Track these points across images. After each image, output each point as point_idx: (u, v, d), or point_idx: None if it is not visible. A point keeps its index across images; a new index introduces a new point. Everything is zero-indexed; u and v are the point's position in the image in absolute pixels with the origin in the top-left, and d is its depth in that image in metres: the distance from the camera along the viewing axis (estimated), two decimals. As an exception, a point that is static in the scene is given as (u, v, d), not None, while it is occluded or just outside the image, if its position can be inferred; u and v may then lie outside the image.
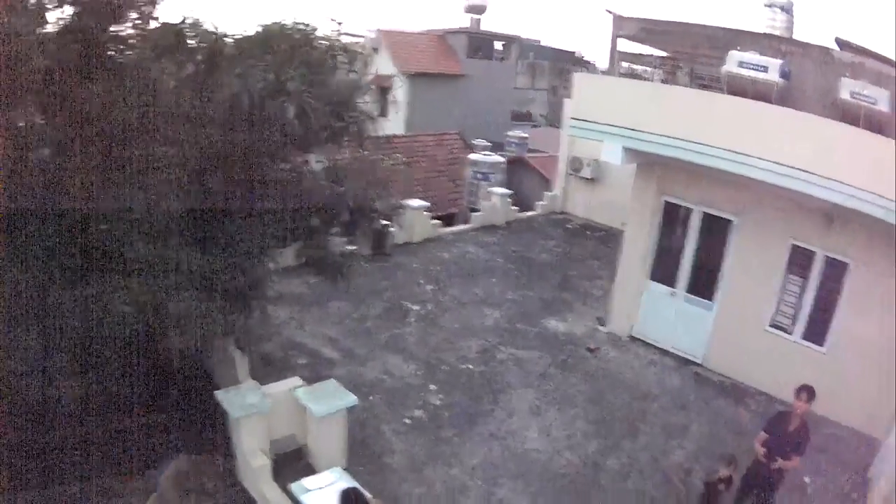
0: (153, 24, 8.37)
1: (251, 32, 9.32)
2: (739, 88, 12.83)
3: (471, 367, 13.00)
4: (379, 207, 10.79)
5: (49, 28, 7.66)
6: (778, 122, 11.13)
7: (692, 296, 13.98)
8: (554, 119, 30.60)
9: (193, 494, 8.67)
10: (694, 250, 13.81)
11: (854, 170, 10.20)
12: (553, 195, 25.42)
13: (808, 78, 13.71)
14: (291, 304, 14.02)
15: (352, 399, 9.40)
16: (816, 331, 12.48)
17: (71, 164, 7.53)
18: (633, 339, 14.83)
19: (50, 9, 7.63)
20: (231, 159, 8.47)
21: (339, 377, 10.25)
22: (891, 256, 11.07)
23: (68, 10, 7.73)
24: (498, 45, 41.21)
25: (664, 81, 16.58)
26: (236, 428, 8.90)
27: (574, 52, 45.96)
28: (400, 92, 34.34)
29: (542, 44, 45.00)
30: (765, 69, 13.01)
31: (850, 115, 11.83)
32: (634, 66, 18.53)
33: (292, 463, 9.28)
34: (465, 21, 39.62)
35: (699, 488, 9.47)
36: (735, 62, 13.32)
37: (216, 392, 9.06)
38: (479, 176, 24.36)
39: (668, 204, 13.97)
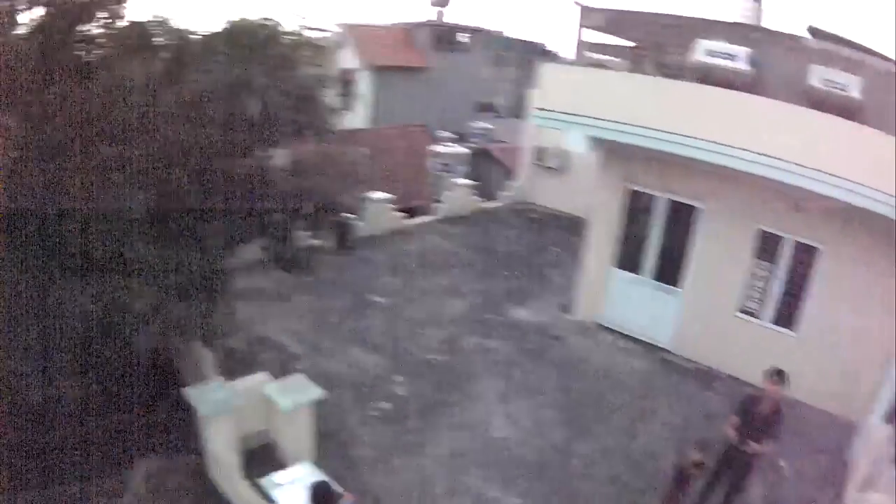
0: (121, 23, 8.34)
1: (218, 29, 9.32)
2: (707, 77, 12.94)
3: (436, 357, 13.07)
4: (342, 201, 10.81)
5: (20, 30, 7.64)
6: (744, 109, 11.26)
7: (659, 282, 14.13)
8: (518, 110, 30.62)
9: (166, 494, 8.68)
10: (660, 237, 13.95)
11: (824, 155, 10.37)
12: (518, 185, 25.54)
13: (779, 66, 13.86)
14: (257, 300, 13.97)
15: (318, 392, 9.41)
16: (788, 315, 12.68)
17: (37, 165, 7.49)
18: (599, 326, 14.94)
19: (21, 10, 7.60)
20: (195, 156, 8.45)
21: (305, 371, 10.24)
22: (863, 240, 11.34)
23: (38, 12, 7.69)
24: (463, 38, 41.16)
25: (631, 71, 16.72)
26: (205, 425, 8.87)
27: (539, 44, 45.96)
28: (364, 85, 34.27)
29: (507, 35, 44.96)
30: (733, 57, 13.14)
31: (821, 102, 11.97)
32: (601, 57, 18.62)
33: (262, 458, 9.27)
34: (430, 14, 39.55)
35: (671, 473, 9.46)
36: (702, 51, 13.42)
37: (185, 389, 9.01)
38: (442, 167, 24.39)
39: (633, 192, 14.08)
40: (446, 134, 29.09)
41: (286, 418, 9.23)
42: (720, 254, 13.10)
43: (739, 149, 11.00)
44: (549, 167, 24.37)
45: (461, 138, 29.29)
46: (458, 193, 23.08)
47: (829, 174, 10.29)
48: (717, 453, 8.91)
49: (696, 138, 11.41)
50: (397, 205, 20.66)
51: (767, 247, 12.66)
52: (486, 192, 24.92)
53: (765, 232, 12.60)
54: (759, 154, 10.85)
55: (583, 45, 17.98)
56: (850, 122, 10.64)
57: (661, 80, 13.27)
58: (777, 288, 12.73)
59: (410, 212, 21.86)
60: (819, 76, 12.63)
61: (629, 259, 14.42)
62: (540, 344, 14.06)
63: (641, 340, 14.39)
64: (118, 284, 7.70)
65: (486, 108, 39.91)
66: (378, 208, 19.66)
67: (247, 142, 9.09)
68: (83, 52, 8.12)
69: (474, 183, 24.00)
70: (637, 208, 14.15)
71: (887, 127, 10.36)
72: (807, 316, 12.41)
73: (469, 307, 15.51)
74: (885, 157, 9.94)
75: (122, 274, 7.78)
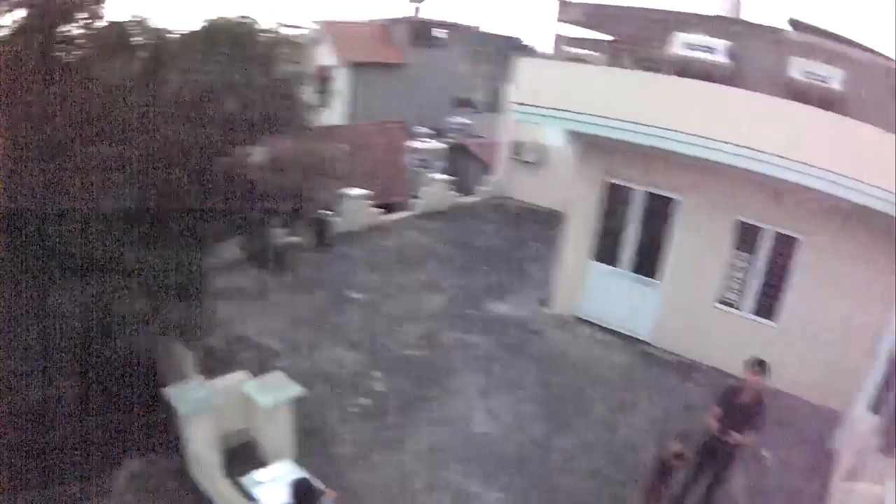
0: (100, 24, 8.32)
1: (196, 28, 9.32)
2: (686, 70, 13.00)
3: (415, 352, 13.10)
4: (319, 198, 10.80)
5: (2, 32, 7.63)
6: (722, 102, 11.34)
7: (637, 275, 14.20)
8: (496, 105, 30.68)
9: (150, 494, 8.67)
10: (638, 230, 14.01)
11: (803, 147, 10.47)
12: (495, 180, 25.58)
13: (759, 58, 13.96)
14: (236, 298, 13.91)
15: (298, 390, 9.43)
16: (768, 306, 12.80)
17: (23, 165, 7.46)
18: (578, 319, 15.01)
19: (3, 12, 7.58)
20: (173, 155, 8.43)
21: (284, 369, 10.22)
22: (844, 231, 11.44)
23: (19, 13, 7.67)
24: (440, 34, 41.18)
25: (609, 66, 16.76)
26: (186, 424, 8.86)
27: (516, 39, 46.05)
28: (341, 82, 34.22)
29: (484, 31, 45.01)
30: (712, 50, 13.20)
31: (802, 94, 12.05)
32: (579, 51, 18.66)
33: (242, 456, 9.27)
34: (408, 10, 39.60)
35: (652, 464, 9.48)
36: (681, 44, 13.48)
37: (165, 389, 8.99)
38: (420, 163, 24.42)
39: (610, 185, 14.11)
40: (423, 129, 29.13)
41: (266, 416, 9.23)
42: (699, 245, 13.18)
43: (718, 141, 11.10)
44: (527, 162, 24.45)
45: (438, 134, 29.36)
46: (436, 189, 23.11)
47: (810, 165, 10.39)
48: (699, 444, 8.89)
49: (673, 131, 11.50)
50: (375, 201, 20.64)
51: (747, 238, 12.75)
52: (463, 187, 24.95)
53: (744, 223, 12.68)
54: (737, 146, 10.94)
55: (561, 40, 18.04)
56: (830, 114, 10.72)
57: (639, 74, 13.33)
58: (757, 279, 12.84)
59: (388, 208, 21.85)
60: (800, 68, 12.72)
61: (607, 252, 14.48)
62: (519, 338, 14.11)
63: (620, 333, 14.47)
64: (101, 285, 7.68)
65: (463, 104, 39.98)
66: (355, 205, 19.63)
67: (225, 140, 9.08)
68: (63, 54, 8.09)
69: (452, 178, 24.05)
70: (615, 201, 14.17)
71: (869, 118, 10.46)
72: (787, 306, 12.53)
73: (447, 302, 15.54)
74: (866, 148, 10.07)
75: (105, 275, 7.76)
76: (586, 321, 14.93)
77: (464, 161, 27.80)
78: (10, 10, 7.67)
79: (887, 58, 14.49)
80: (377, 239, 19.41)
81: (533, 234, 21.13)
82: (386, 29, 39.13)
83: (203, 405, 8.82)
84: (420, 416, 11.06)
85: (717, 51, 13.15)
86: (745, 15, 16.05)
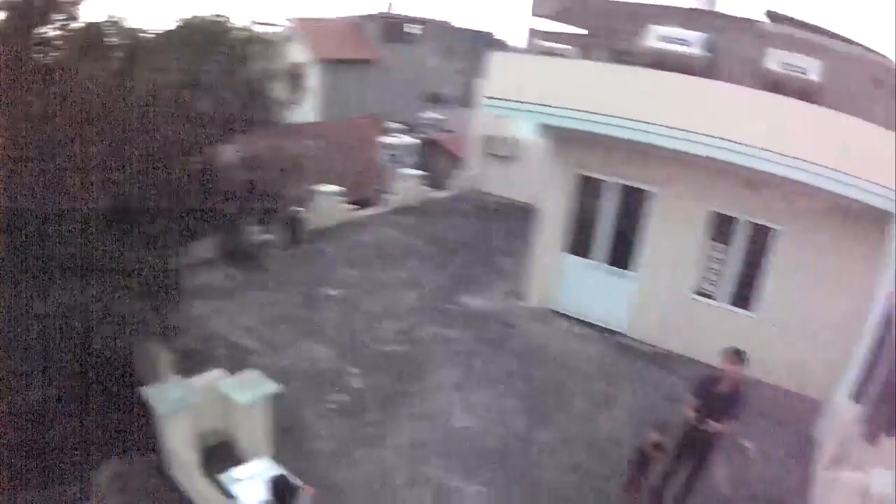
0: (76, 25, 8.30)
1: (171, 27, 9.32)
2: (660, 63, 12.99)
3: (391, 348, 13.08)
4: (292, 194, 10.79)
5: None
6: (696, 93, 11.37)
7: (612, 267, 14.25)
8: (468, 99, 30.73)
9: (130, 494, 8.63)
10: (612, 222, 14.06)
11: (780, 137, 10.51)
12: (468, 174, 25.64)
13: (736, 50, 14.03)
14: (209, 296, 13.85)
15: (274, 387, 9.39)
16: (745, 296, 12.90)
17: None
18: (554, 312, 15.07)
19: None
20: (147, 155, 8.39)
21: (260, 366, 10.18)
22: (823, 221, 11.52)
23: None
24: (412, 29, 41.21)
25: (583, 59, 16.78)
26: (164, 424, 8.82)
27: (488, 33, 46.10)
28: (314, 79, 34.15)
29: (457, 25, 45.06)
30: (687, 43, 13.24)
31: (779, 86, 12.10)
32: (553, 45, 18.71)
33: (220, 455, 9.19)
34: (381, 6, 39.73)
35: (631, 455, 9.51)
36: (655, 37, 13.51)
37: (143, 389, 8.92)
38: (392, 158, 24.36)
39: (584, 177, 14.15)
40: (396, 125, 29.06)
41: (243, 414, 9.19)
42: (674, 237, 13.25)
43: (692, 132, 11.13)
44: (500, 155, 24.51)
45: (411, 129, 29.27)
46: (408, 184, 23.08)
47: (787, 156, 10.42)
48: (678, 434, 8.90)
49: (646, 123, 11.51)
50: (347, 197, 20.59)
51: (723, 229, 12.84)
52: (436, 181, 24.97)
53: (719, 214, 12.76)
54: (711, 137, 10.98)
55: (535, 34, 18.08)
56: (808, 104, 10.76)
57: (612, 66, 13.40)
58: (733, 269, 12.94)
59: (361, 204, 21.81)
60: (777, 60, 12.78)
61: (582, 245, 14.53)
62: (495, 332, 14.15)
63: (597, 325, 14.55)
64: (76, 286, 7.63)
65: (435, 99, 40.00)
66: (328, 201, 19.57)
67: (198, 138, 9.04)
68: (41, 55, 8.06)
69: (424, 173, 24.02)
70: (589, 194, 14.21)
71: (848, 108, 10.54)
72: (765, 296, 12.64)
73: (422, 297, 15.54)
74: (845, 138, 10.15)
75: (79, 275, 7.71)
76: (562, 314, 14.99)
77: (436, 156, 27.79)
78: None
79: (866, 48, 14.66)
80: (350, 235, 19.35)
81: (507, 228, 21.14)
82: (358, 25, 39.17)
83: (181, 404, 8.76)
84: (399, 411, 11.05)
85: (692, 43, 13.17)
86: (722, 7, 16.16)
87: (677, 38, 13.31)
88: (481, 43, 39.98)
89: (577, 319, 14.79)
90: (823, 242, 11.74)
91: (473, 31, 44.99)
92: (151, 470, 9.05)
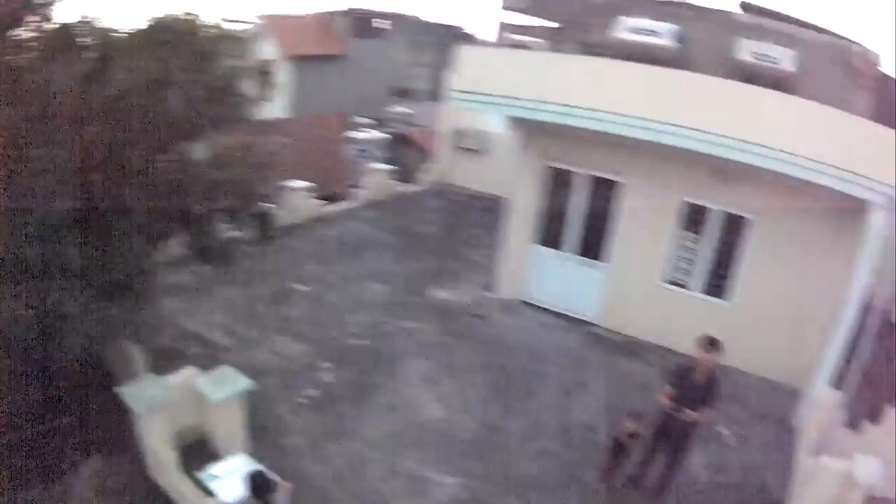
0: (49, 26, 8.29)
1: (142, 26, 9.30)
2: (631, 55, 13.04)
3: (362, 342, 13.15)
4: (261, 191, 10.80)
5: None
6: (665, 84, 11.43)
7: (583, 257, 14.36)
8: (437, 93, 30.77)
9: (109, 494, 8.64)
10: (582, 213, 14.15)
11: (751, 127, 10.58)
12: (437, 168, 25.70)
13: (707, 41, 14.14)
14: (180, 294, 13.83)
15: (247, 383, 9.45)
16: (719, 285, 13.03)
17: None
18: (524, 303, 15.19)
19: None
20: (117, 154, 8.38)
21: (232, 363, 10.18)
22: (797, 210, 11.65)
23: None
24: (381, 24, 41.16)
25: (552, 51, 16.80)
26: (141, 422, 8.86)
27: (457, 27, 46.10)
28: (283, 75, 34.01)
29: (426, 20, 44.99)
30: (656, 34, 13.31)
31: (751, 76, 12.20)
32: (522, 38, 18.76)
33: (197, 452, 9.23)
34: (350, 1, 39.53)
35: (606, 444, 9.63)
36: (625, 28, 13.56)
37: (119, 388, 8.95)
38: (360, 153, 24.40)
39: (553, 169, 14.23)
40: (364, 120, 29.08)
41: (217, 411, 9.25)
42: (645, 227, 13.35)
43: (661, 123, 11.16)
44: (469, 149, 24.59)
45: (380, 124, 29.31)
46: (377, 178, 23.12)
47: (758, 145, 10.49)
48: (654, 423, 8.97)
49: (615, 114, 11.53)
50: (317, 192, 20.58)
51: (694, 218, 12.95)
52: (405, 176, 25.00)
53: (690, 204, 12.88)
54: (680, 127, 11.03)
55: (504, 28, 18.13)
56: (779, 93, 10.92)
57: (580, 58, 13.45)
58: (705, 258, 13.06)
59: (330, 199, 21.80)
60: (749, 50, 12.89)
61: (552, 236, 14.63)
62: (466, 324, 14.26)
63: (568, 316, 14.68)
64: (48, 287, 7.63)
65: (403, 93, 39.99)
66: (297, 197, 19.55)
67: (168, 137, 9.04)
68: (12, 57, 8.04)
69: (393, 168, 24.09)
70: (558, 185, 14.29)
71: (821, 97, 10.68)
72: (739, 285, 12.79)
73: (393, 291, 15.61)
74: (817, 126, 10.29)
75: (52, 276, 7.71)
76: (533, 305, 15.12)
77: (405, 150, 27.81)
78: None
79: (840, 37, 14.86)
80: (320, 230, 19.37)
81: (476, 221, 21.30)
82: (327, 21, 38.99)
83: (157, 402, 8.81)
84: (372, 404, 11.14)
85: (661, 34, 13.27)
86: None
87: (647, 30, 13.41)
88: (450, 37, 40.01)
89: (549, 310, 14.92)
90: (798, 231, 11.89)
91: (443, 25, 44.93)
92: (131, 470, 9.07)
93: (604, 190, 13.74)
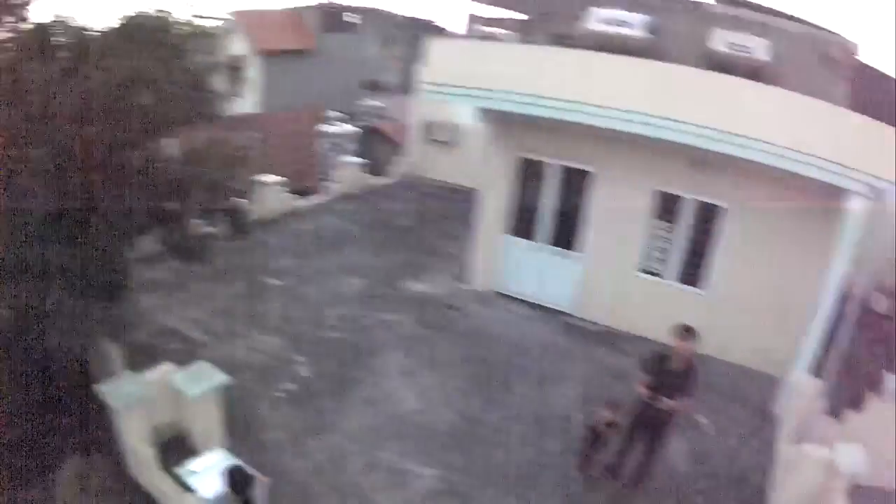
0: (25, 26, 8.24)
1: (115, 24, 9.26)
2: (602, 45, 13.09)
3: (338, 335, 13.15)
4: (233, 186, 10.78)
5: None
6: (636, 74, 11.46)
7: (556, 247, 14.43)
8: (408, 87, 30.76)
9: (91, 493, 8.60)
10: (554, 203, 14.21)
11: (724, 116, 10.65)
12: (408, 161, 25.75)
13: (680, 31, 14.17)
14: (156, 291, 13.74)
15: (223, 378, 9.43)
16: (693, 274, 13.11)
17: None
18: (499, 295, 15.25)
19: None
20: (91, 153, 8.33)
21: (209, 358, 10.13)
22: (771, 198, 11.71)
23: None
24: (352, 18, 41.09)
25: (522, 43, 16.80)
26: (119, 419, 8.83)
27: (428, 20, 46.02)
28: (255, 70, 33.85)
29: (396, 13, 44.92)
30: (628, 25, 13.33)
31: (726, 66, 12.24)
32: (493, 30, 18.77)
33: (176, 448, 9.20)
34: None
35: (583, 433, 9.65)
36: (596, 19, 13.56)
37: (97, 385, 8.91)
38: (332, 147, 24.36)
39: (524, 160, 14.27)
40: (335, 114, 28.98)
41: (194, 406, 9.23)
42: (618, 216, 13.39)
43: (632, 112, 11.21)
44: (440, 141, 24.67)
45: (351, 117, 29.23)
46: (349, 172, 23.15)
47: (732, 134, 10.55)
48: (632, 412, 8.97)
49: (586, 104, 11.57)
50: (290, 187, 20.53)
51: (668, 207, 13.02)
52: (377, 169, 25.03)
53: (663, 193, 12.95)
54: (651, 116, 11.09)
55: (475, 20, 18.13)
56: (753, 83, 10.92)
57: (551, 49, 13.44)
58: (680, 247, 13.14)
59: (303, 193, 21.76)
60: (723, 40, 12.94)
61: (525, 227, 14.68)
62: (441, 316, 14.31)
63: (543, 306, 14.75)
64: (25, 286, 7.59)
65: (374, 87, 39.91)
66: (270, 192, 19.46)
67: (140, 134, 9.00)
68: None
69: (365, 161, 24.10)
70: (530, 176, 14.33)
71: (796, 86, 10.76)
72: (714, 273, 12.88)
73: (368, 283, 15.61)
74: (791, 115, 10.37)
75: (30, 275, 7.67)
76: (508, 296, 15.19)
77: (376, 143, 27.76)
78: None
79: (816, 26, 14.99)
80: (293, 225, 19.35)
81: (448, 213, 21.34)
82: (297, 16, 38.87)
83: (135, 399, 8.78)
84: (350, 398, 11.15)
85: (633, 25, 13.30)
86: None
87: (618, 21, 13.43)
88: (421, 30, 39.97)
89: (523, 301, 14.99)
90: (775, 220, 11.97)
91: (413, 18, 44.87)
92: (111, 468, 9.04)
93: (576, 180, 13.78)
